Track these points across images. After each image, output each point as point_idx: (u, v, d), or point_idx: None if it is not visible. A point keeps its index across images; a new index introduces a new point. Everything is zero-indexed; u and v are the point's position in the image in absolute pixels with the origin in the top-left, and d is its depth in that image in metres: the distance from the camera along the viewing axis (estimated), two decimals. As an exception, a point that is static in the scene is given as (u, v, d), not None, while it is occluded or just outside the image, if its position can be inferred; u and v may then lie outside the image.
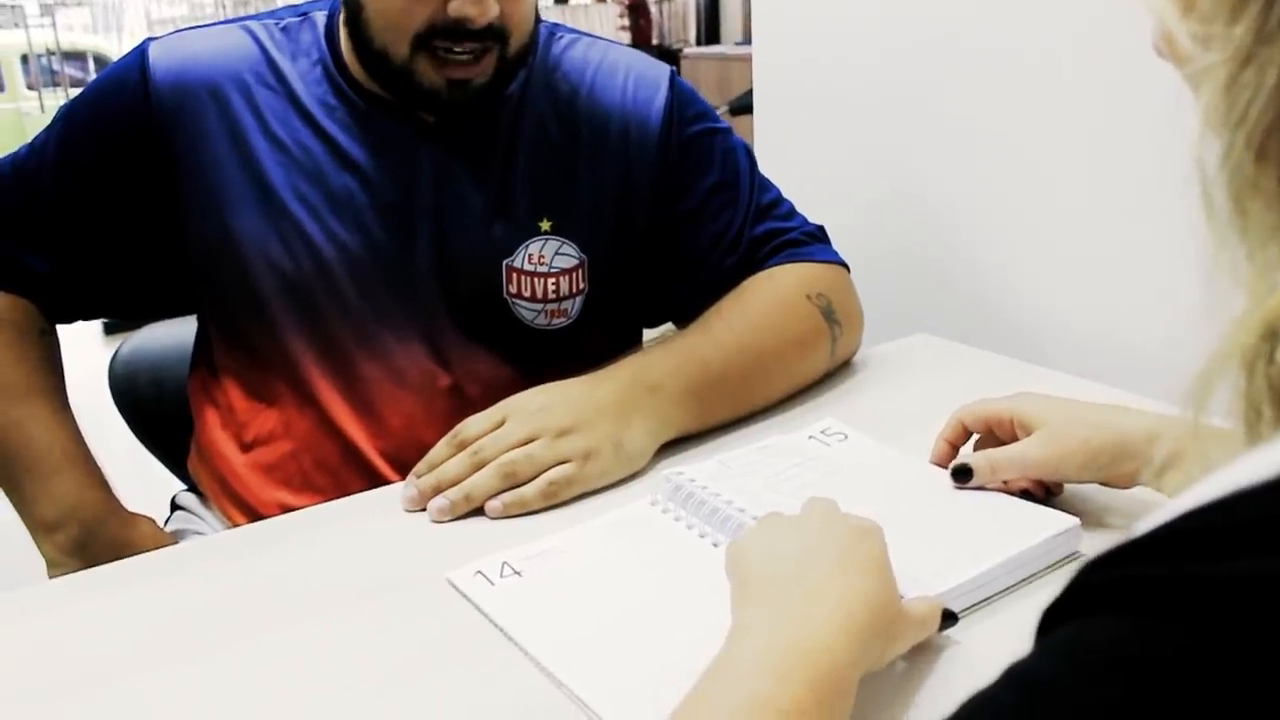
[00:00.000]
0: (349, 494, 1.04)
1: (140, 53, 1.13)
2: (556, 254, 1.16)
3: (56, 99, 6.97)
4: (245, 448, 1.19)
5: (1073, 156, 1.36)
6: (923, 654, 0.73)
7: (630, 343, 1.31)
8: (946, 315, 1.53)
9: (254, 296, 1.13)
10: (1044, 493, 0.92)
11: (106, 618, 0.84)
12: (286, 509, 1.08)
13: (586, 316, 1.20)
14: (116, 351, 1.48)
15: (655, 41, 7.11)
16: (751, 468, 0.98)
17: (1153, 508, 0.33)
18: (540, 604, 0.81)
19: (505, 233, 1.15)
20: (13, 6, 7.60)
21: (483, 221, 1.14)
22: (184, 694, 0.74)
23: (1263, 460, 0.30)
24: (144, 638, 0.81)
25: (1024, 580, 0.82)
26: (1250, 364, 0.33)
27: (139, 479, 1.38)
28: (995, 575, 0.80)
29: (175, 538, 1.23)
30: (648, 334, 1.34)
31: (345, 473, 1.15)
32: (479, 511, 0.95)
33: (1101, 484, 0.89)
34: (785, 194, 1.28)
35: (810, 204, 1.32)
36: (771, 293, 1.17)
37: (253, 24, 1.16)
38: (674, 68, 1.26)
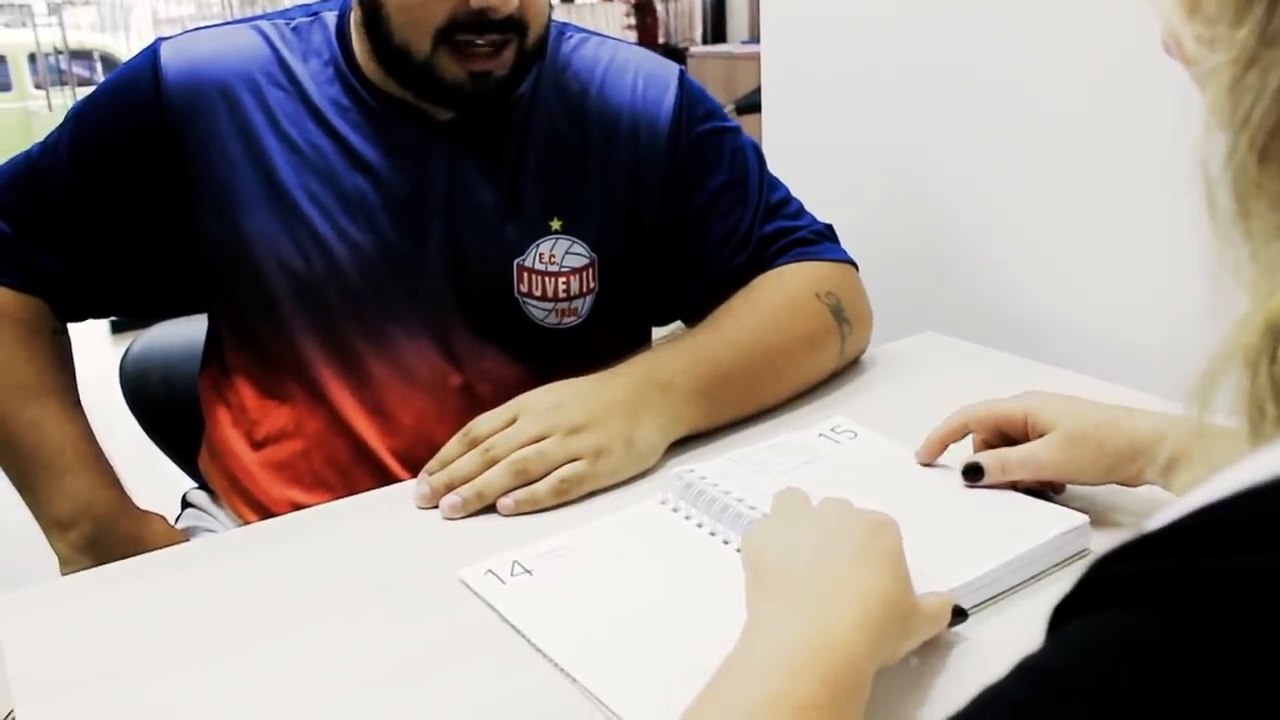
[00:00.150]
0: (359, 492, 1.05)
1: (152, 53, 1.14)
2: (567, 253, 1.17)
3: (64, 98, 6.99)
4: (256, 446, 1.19)
5: (1081, 155, 1.36)
6: (934, 650, 0.73)
7: (640, 341, 1.31)
8: (954, 314, 1.53)
9: (265, 296, 1.13)
10: (1050, 489, 0.92)
11: (120, 614, 0.84)
12: (297, 507, 1.08)
13: (596, 315, 1.20)
14: (128, 350, 1.48)
15: (661, 40, 7.12)
16: (762, 465, 0.99)
17: (1160, 505, 0.33)
18: (551, 602, 0.81)
19: (516, 232, 1.16)
20: (20, 6, 7.63)
21: (494, 221, 1.15)
22: (197, 689, 0.74)
23: (1269, 459, 0.30)
24: (156, 634, 0.81)
25: (1033, 577, 0.82)
26: (1253, 363, 0.34)
27: (147, 477, 1.39)
28: (1005, 572, 0.80)
29: (186, 535, 1.24)
30: (657, 332, 1.34)
31: (356, 471, 1.15)
32: (491, 509, 0.96)
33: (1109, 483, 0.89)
34: (793, 192, 1.28)
35: (818, 202, 1.32)
36: (781, 291, 1.18)
37: (263, 24, 1.17)
38: (683, 67, 1.26)
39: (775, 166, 1.29)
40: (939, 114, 1.54)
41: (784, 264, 1.21)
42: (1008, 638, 0.74)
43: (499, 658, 0.76)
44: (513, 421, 1.00)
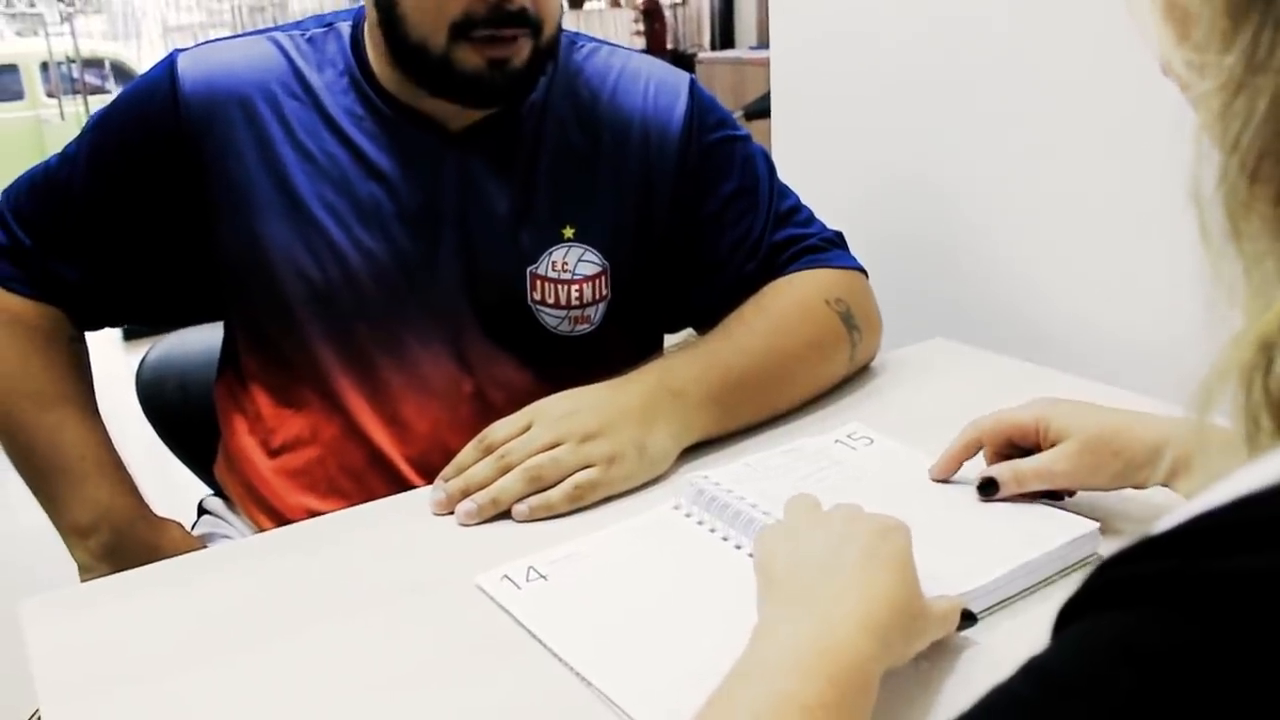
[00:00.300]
0: (374, 499, 1.06)
1: (169, 64, 1.15)
2: (579, 261, 1.18)
3: (76, 106, 7.02)
4: (272, 453, 1.20)
5: (1091, 163, 1.37)
6: (944, 654, 0.74)
7: (652, 348, 1.32)
8: (964, 319, 1.54)
9: (282, 304, 1.14)
10: (1064, 493, 0.93)
11: (140, 618, 0.86)
12: (313, 514, 1.09)
13: (609, 323, 1.21)
14: (144, 357, 1.50)
15: (670, 46, 7.14)
16: (777, 471, 1.00)
17: (1168, 509, 0.34)
18: (566, 607, 0.83)
19: (529, 240, 1.17)
20: (33, 15, 7.67)
21: (507, 229, 1.16)
22: (216, 691, 0.76)
23: (1266, 467, 0.31)
24: (176, 637, 0.83)
25: (1043, 582, 0.83)
26: (1248, 379, 0.35)
27: (160, 483, 1.39)
28: (1015, 577, 0.81)
29: (203, 542, 1.25)
30: (669, 339, 1.35)
31: (371, 478, 1.16)
32: (506, 515, 0.97)
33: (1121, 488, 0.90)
34: (803, 198, 1.29)
35: (828, 208, 1.33)
36: (792, 298, 1.19)
37: (279, 35, 1.18)
38: (693, 75, 1.27)
39: (784, 172, 1.29)
40: (948, 120, 1.55)
41: (794, 271, 1.22)
42: (1017, 642, 0.74)
43: (515, 662, 0.77)
44: (527, 428, 1.01)
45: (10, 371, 1.18)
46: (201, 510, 1.35)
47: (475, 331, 1.17)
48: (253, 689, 0.76)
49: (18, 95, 7.43)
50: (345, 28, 1.18)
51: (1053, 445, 0.91)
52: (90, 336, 1.27)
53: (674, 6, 7.37)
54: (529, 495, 0.97)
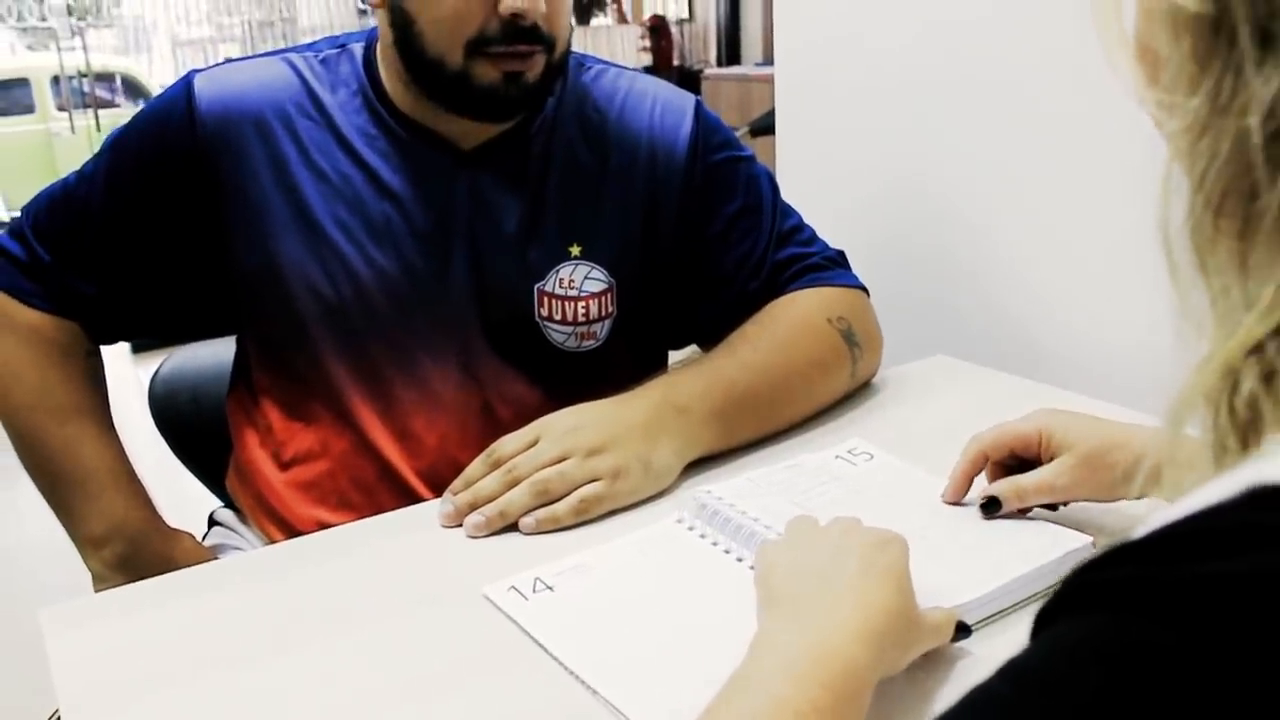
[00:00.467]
0: (384, 511, 1.08)
1: (186, 84, 1.17)
2: (586, 278, 1.20)
3: (87, 120, 7.05)
4: (283, 466, 1.23)
5: (1094, 185, 1.38)
6: (938, 664, 0.76)
7: (656, 365, 1.34)
8: (965, 337, 1.55)
9: (295, 320, 1.16)
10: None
11: (156, 627, 0.88)
12: (323, 526, 1.11)
13: (615, 339, 1.24)
14: (157, 371, 1.52)
15: (676, 62, 7.16)
16: (779, 486, 1.02)
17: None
18: (572, 617, 0.85)
19: (537, 258, 1.19)
20: (45, 29, 7.71)
21: (516, 247, 1.18)
22: (230, 699, 0.78)
23: (1230, 481, 0.33)
24: (190, 646, 0.84)
25: (1036, 595, 0.85)
26: (1215, 403, 0.37)
27: (169, 496, 1.41)
28: (1009, 590, 0.83)
29: (214, 553, 1.27)
30: (673, 356, 1.37)
31: (381, 490, 1.18)
32: (513, 527, 0.99)
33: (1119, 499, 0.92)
34: (807, 214, 1.32)
35: (831, 225, 1.35)
36: (794, 316, 1.21)
37: (293, 56, 1.20)
38: (699, 97, 1.29)
39: (788, 188, 1.31)
40: (951, 138, 1.56)
41: (797, 289, 1.24)
42: (1010, 653, 0.77)
43: (521, 670, 0.79)
44: (534, 443, 1.03)
45: (29, 385, 1.20)
46: (212, 522, 1.37)
47: (484, 347, 1.19)
48: (265, 697, 0.78)
49: (29, 109, 7.48)
50: (358, 49, 1.21)
51: (1053, 457, 0.92)
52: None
53: (680, 23, 7.40)
54: (536, 508, 0.99)
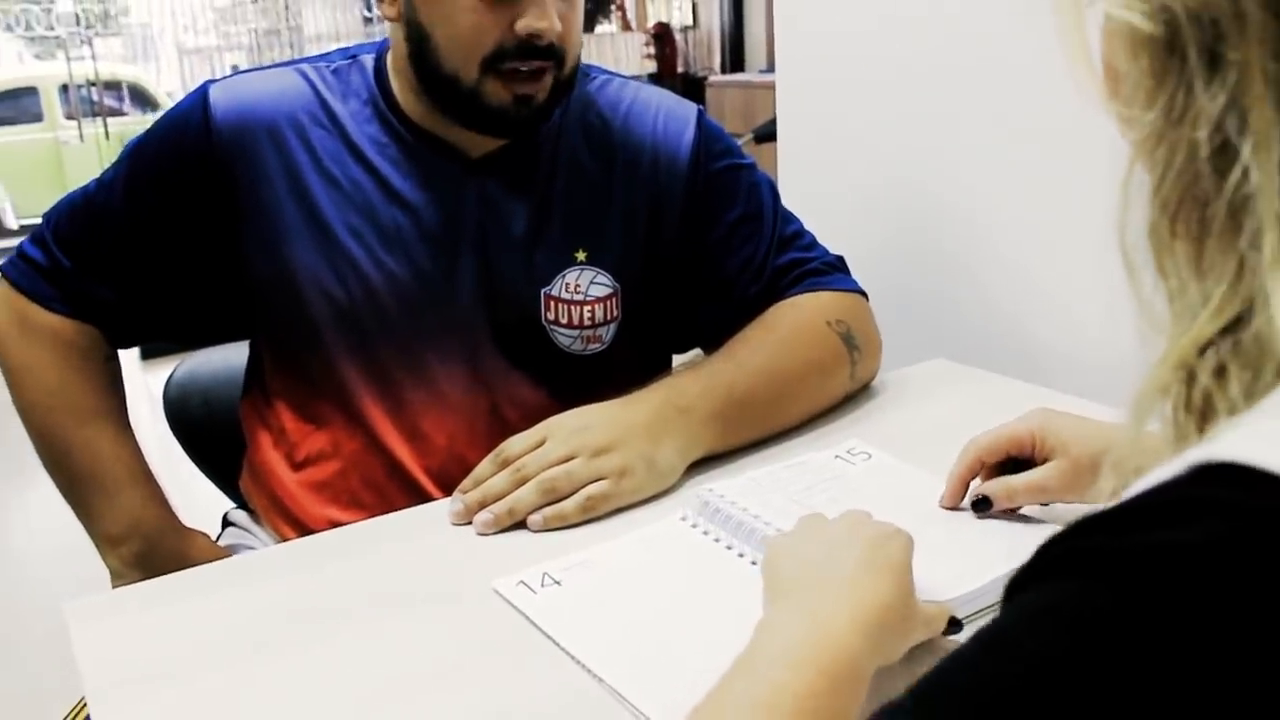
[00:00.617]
0: (395, 510, 1.11)
1: (201, 94, 1.20)
2: (592, 283, 1.23)
3: (95, 128, 7.10)
4: (296, 467, 1.25)
5: (1095, 190, 1.40)
6: (933, 656, 0.79)
7: (660, 367, 1.37)
8: (964, 341, 1.58)
9: (308, 324, 1.19)
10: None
11: (176, 620, 0.90)
12: (335, 524, 1.14)
13: (620, 342, 1.26)
14: (170, 376, 1.55)
15: (681, 70, 7.18)
16: (779, 484, 1.05)
17: None
18: (579, 610, 0.87)
19: (544, 262, 1.22)
20: (53, 37, 7.75)
21: (523, 252, 1.21)
22: (246, 690, 0.81)
23: (1180, 461, 0.36)
24: (209, 638, 0.87)
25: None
26: (1172, 396, 0.40)
27: (178, 499, 1.43)
28: (998, 586, 0.85)
29: (228, 552, 1.30)
30: (677, 359, 1.40)
31: (391, 490, 1.21)
32: (521, 525, 1.02)
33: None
34: (807, 220, 1.34)
35: (832, 231, 1.37)
36: (794, 320, 1.23)
37: (305, 67, 1.24)
38: (701, 107, 1.32)
39: (790, 194, 1.34)
40: (951, 144, 1.59)
41: (797, 294, 1.26)
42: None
43: (530, 660, 0.82)
44: (542, 443, 1.05)
45: (50, 387, 1.23)
46: (226, 523, 1.40)
47: (491, 349, 1.22)
48: (281, 688, 0.81)
49: (37, 117, 7.53)
50: (369, 60, 1.24)
51: (1047, 458, 0.95)
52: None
53: (685, 30, 7.43)
54: (543, 506, 1.02)
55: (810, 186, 1.85)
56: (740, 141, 3.08)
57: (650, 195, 1.26)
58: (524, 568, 0.93)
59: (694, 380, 1.15)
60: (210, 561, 1.07)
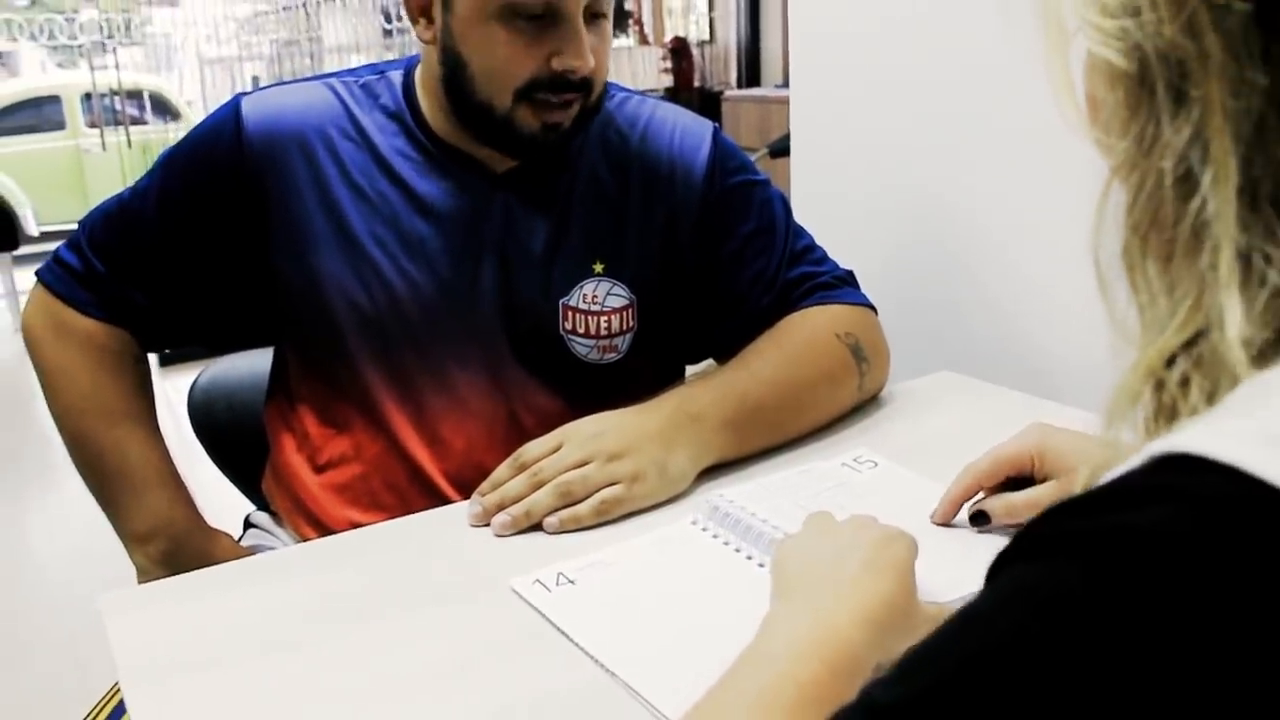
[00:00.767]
0: (414, 512, 1.14)
1: (234, 107, 1.24)
2: (609, 294, 1.27)
3: (117, 137, 7.17)
4: (319, 469, 1.29)
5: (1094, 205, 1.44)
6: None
7: (674, 377, 1.40)
8: (970, 354, 1.60)
9: (333, 330, 1.23)
10: None
11: (202, 615, 0.94)
12: (356, 525, 1.17)
13: (635, 352, 1.30)
14: (195, 381, 1.58)
15: (697, 84, 7.21)
16: (787, 490, 1.08)
17: None
18: (592, 608, 0.91)
19: (562, 273, 1.25)
20: (76, 46, 7.84)
21: (542, 263, 1.25)
22: (273, 679, 0.84)
23: (1144, 453, 0.40)
24: (235, 632, 0.91)
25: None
26: (1141, 405, 0.43)
27: (196, 499, 1.46)
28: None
29: (251, 552, 1.34)
30: (690, 370, 1.43)
31: (411, 493, 1.24)
32: (537, 527, 1.05)
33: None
34: (820, 233, 1.37)
35: (844, 243, 1.40)
36: (804, 331, 1.26)
37: (334, 81, 1.27)
38: (716, 124, 1.36)
39: (802, 208, 1.37)
40: (962, 160, 1.61)
41: (807, 306, 1.29)
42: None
43: (545, 655, 0.85)
44: (558, 448, 1.09)
45: (83, 390, 1.27)
46: (248, 524, 1.43)
47: (510, 358, 1.25)
48: (305, 678, 0.84)
49: (59, 125, 7.61)
50: (397, 76, 1.27)
51: (1048, 477, 0.97)
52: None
53: (701, 45, 7.46)
54: (559, 509, 1.05)
55: (823, 200, 1.88)
56: (755, 156, 3.11)
57: (666, 209, 1.29)
58: (540, 567, 0.96)
59: (706, 389, 1.18)
60: (234, 560, 1.11)
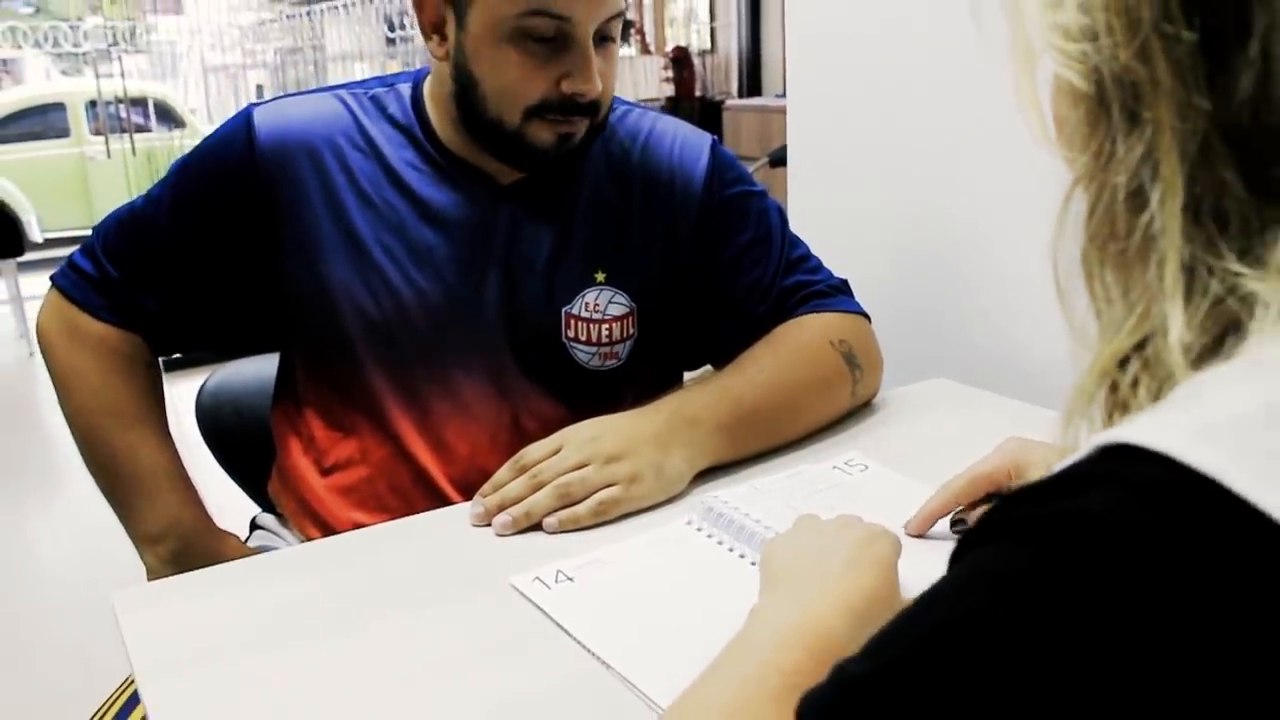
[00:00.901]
0: (417, 514, 1.16)
1: (245, 117, 1.27)
2: (610, 302, 1.30)
3: (123, 144, 7.20)
4: (325, 472, 1.31)
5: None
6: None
7: (672, 383, 1.43)
8: (963, 361, 1.63)
9: (341, 336, 1.26)
10: None
11: (213, 611, 0.97)
12: (360, 527, 1.19)
13: (635, 359, 1.33)
14: (203, 385, 1.61)
15: (699, 93, 7.24)
16: (779, 492, 1.11)
17: None
18: (590, 604, 0.94)
19: (565, 283, 1.28)
20: (81, 54, 7.88)
21: (545, 273, 1.28)
22: (284, 672, 0.87)
23: (1090, 445, 0.43)
24: (241, 628, 0.93)
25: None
26: (1096, 403, 0.47)
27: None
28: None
29: (258, 552, 1.36)
30: (688, 376, 1.47)
31: (415, 495, 1.27)
32: (537, 527, 1.08)
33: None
34: (816, 240, 1.40)
35: (839, 253, 1.42)
36: (799, 339, 1.30)
37: (344, 93, 1.30)
38: (715, 136, 1.39)
39: (799, 219, 1.40)
40: (955, 171, 1.65)
41: (802, 314, 1.32)
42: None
43: (544, 649, 0.89)
44: (558, 451, 1.12)
45: (96, 392, 1.30)
46: (254, 526, 1.46)
47: (513, 365, 1.28)
48: (314, 671, 0.87)
49: (64, 133, 7.65)
50: (405, 89, 1.31)
51: None
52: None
53: (703, 54, 7.50)
54: (558, 510, 1.08)
55: (819, 208, 1.91)
56: (756, 165, 3.15)
57: (667, 218, 1.32)
58: (540, 565, 0.99)
59: (702, 394, 1.21)
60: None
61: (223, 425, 1.60)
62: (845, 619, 0.72)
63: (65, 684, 2.39)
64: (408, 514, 1.18)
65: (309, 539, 1.32)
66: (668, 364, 1.42)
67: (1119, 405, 0.46)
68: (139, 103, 7.62)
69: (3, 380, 5.14)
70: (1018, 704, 0.37)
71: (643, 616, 0.92)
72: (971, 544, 0.44)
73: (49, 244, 6.54)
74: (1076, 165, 0.49)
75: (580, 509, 1.08)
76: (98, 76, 7.36)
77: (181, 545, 1.30)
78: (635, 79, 7.39)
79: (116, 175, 6.97)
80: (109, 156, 7.28)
